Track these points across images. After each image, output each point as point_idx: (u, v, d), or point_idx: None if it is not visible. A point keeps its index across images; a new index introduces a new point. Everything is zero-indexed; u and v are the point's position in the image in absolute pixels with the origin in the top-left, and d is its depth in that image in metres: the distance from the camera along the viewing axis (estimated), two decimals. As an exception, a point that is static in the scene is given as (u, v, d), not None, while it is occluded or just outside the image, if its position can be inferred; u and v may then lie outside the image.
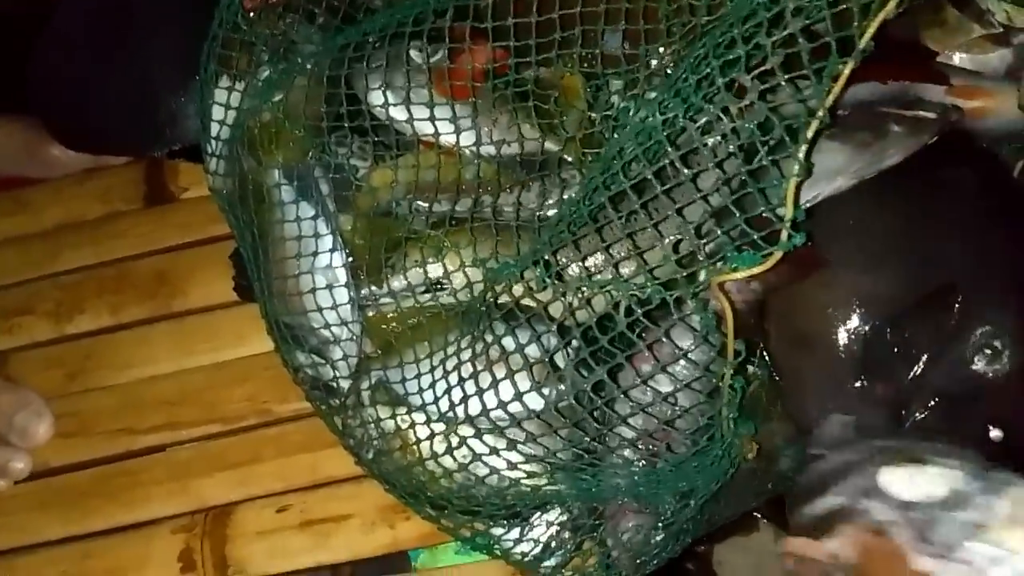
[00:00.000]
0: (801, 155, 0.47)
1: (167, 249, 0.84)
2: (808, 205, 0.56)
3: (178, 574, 0.72)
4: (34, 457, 0.77)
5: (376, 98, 0.64)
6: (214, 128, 0.70)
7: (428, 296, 0.65)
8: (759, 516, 0.80)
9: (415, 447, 0.64)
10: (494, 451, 0.61)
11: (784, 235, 0.47)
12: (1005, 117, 0.60)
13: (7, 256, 0.86)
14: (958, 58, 0.65)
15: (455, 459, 0.62)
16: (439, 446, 0.62)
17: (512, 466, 0.61)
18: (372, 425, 0.65)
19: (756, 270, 0.48)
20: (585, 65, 0.65)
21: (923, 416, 0.58)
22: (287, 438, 0.75)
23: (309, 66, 0.67)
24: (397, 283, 0.65)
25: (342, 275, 0.65)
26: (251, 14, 0.69)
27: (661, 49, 0.63)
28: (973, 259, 0.59)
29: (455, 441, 0.61)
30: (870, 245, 0.59)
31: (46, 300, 0.84)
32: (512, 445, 0.61)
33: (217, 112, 0.69)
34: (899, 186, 0.59)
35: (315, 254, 0.66)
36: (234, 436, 0.76)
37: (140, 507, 0.75)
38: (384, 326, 0.67)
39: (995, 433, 0.58)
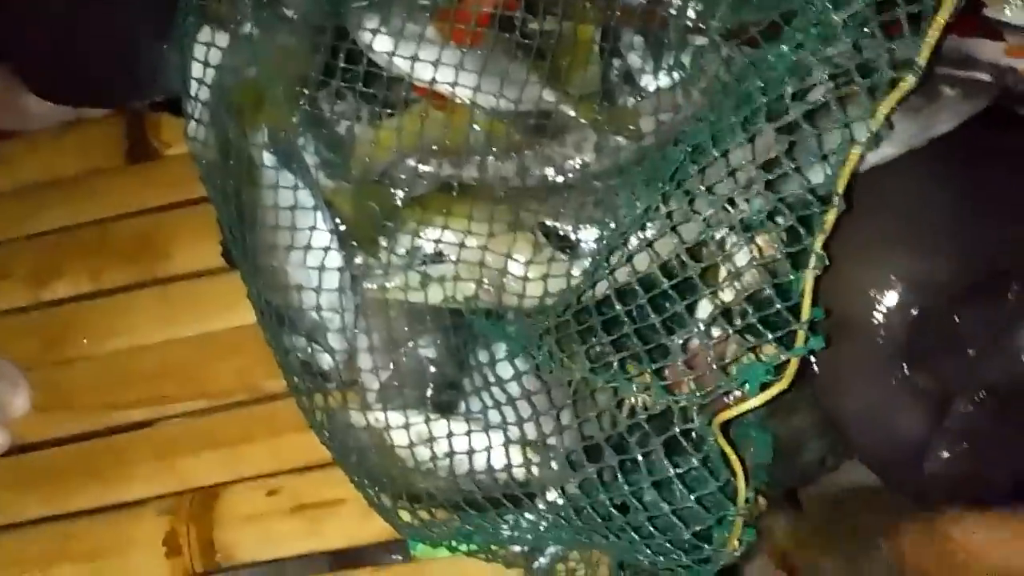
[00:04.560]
0: (818, 246, 0.44)
1: (150, 210, 0.79)
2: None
3: (163, 559, 0.69)
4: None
5: (372, 40, 0.57)
6: (194, 87, 0.64)
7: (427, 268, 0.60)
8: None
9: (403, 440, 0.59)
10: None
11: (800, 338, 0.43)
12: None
13: (-21, 215, 0.81)
14: (1009, 11, 0.58)
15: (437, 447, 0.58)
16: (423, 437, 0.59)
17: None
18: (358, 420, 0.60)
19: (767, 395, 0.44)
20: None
21: (968, 412, 0.53)
22: (278, 416, 0.70)
23: (295, 15, 0.61)
24: (394, 254, 0.60)
25: (335, 258, 0.60)
26: (233, -44, 0.62)
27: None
28: (1032, 243, 0.53)
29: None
30: (919, 223, 0.54)
31: (22, 263, 0.79)
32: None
33: (197, 69, 0.63)
34: (952, 157, 0.53)
35: (295, 229, 0.60)
36: (222, 413, 0.73)
37: (124, 486, 0.71)
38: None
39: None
